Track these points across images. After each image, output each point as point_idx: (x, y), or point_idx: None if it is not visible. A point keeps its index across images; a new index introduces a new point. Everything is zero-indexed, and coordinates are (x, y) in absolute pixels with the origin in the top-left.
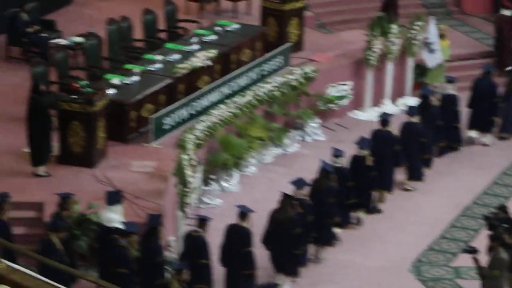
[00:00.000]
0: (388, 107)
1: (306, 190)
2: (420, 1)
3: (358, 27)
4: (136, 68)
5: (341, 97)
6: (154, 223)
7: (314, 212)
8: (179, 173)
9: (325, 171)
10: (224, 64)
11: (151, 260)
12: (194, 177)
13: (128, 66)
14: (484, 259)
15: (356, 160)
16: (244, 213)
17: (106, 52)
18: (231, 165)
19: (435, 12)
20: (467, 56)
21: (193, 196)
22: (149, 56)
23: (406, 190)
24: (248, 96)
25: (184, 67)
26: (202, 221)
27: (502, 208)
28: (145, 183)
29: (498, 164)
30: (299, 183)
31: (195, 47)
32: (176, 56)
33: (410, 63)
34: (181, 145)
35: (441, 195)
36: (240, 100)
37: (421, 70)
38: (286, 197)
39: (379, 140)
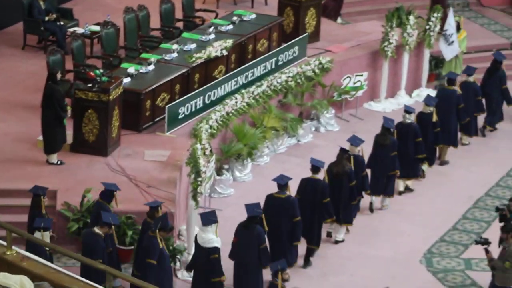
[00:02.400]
0: (403, 98)
1: (360, 147)
2: None
3: (375, 18)
4: (152, 57)
5: (356, 88)
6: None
7: (369, 166)
8: (193, 162)
9: (386, 129)
10: (240, 54)
11: None
12: (207, 167)
13: (144, 55)
14: (495, 251)
15: (422, 116)
16: (316, 167)
17: (123, 41)
18: (245, 155)
19: (453, 4)
20: (484, 48)
21: (206, 185)
22: (165, 45)
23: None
24: (263, 86)
25: (199, 57)
26: (285, 185)
27: None
28: (159, 172)
29: (511, 156)
30: (354, 140)
31: (212, 36)
32: (192, 46)
33: (426, 54)
34: (195, 135)
35: (453, 187)
36: (255, 90)
37: (437, 61)
38: (342, 152)
39: (445, 98)
